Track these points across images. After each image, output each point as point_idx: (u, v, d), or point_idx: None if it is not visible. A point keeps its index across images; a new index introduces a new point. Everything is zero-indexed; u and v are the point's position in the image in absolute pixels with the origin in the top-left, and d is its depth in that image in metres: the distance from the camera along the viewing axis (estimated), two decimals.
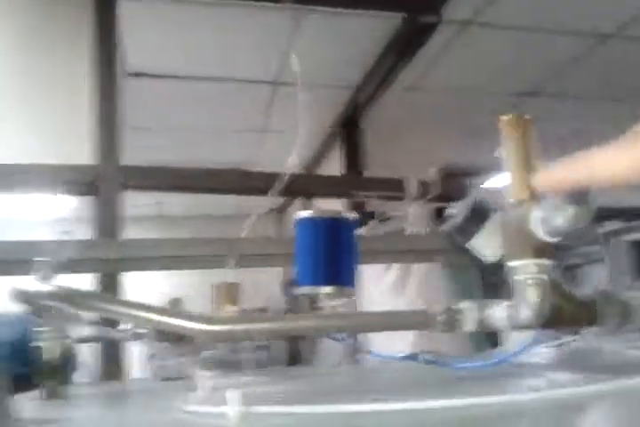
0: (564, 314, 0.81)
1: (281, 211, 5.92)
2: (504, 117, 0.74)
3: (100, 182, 1.72)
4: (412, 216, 2.30)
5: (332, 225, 0.93)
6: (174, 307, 1.01)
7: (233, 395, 0.50)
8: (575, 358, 1.06)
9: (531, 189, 0.70)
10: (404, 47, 2.85)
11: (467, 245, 0.81)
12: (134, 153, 3.95)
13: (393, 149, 4.20)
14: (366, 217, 2.97)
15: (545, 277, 0.69)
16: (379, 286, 2.44)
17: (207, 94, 3.38)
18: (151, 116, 3.68)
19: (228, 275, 1.16)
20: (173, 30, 2.77)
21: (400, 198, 2.23)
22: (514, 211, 0.70)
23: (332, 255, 0.92)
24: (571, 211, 0.62)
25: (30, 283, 0.78)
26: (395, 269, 2.40)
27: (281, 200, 5.38)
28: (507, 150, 0.73)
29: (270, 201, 3.67)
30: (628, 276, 1.33)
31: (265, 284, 4.90)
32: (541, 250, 0.69)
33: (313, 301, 0.90)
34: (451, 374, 0.86)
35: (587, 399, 0.52)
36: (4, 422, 0.53)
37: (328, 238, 0.93)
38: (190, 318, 0.67)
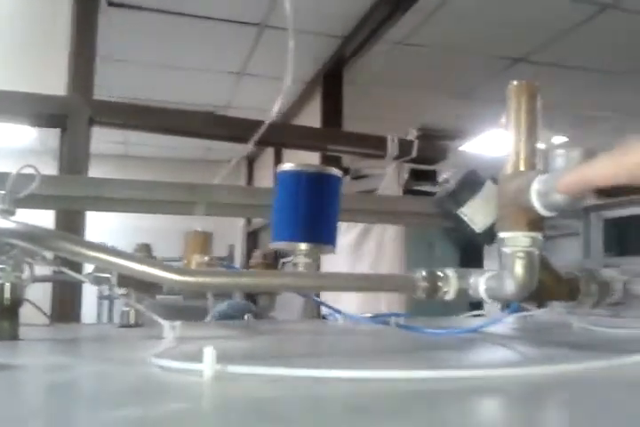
0: (547, 289, 0.81)
1: (251, 159, 5.83)
2: (513, 83, 0.69)
3: (70, 115, 1.63)
4: (389, 176, 2.27)
5: (316, 179, 0.89)
6: (142, 252, 0.96)
7: (208, 352, 0.47)
8: (544, 332, 1.07)
9: (529, 160, 0.68)
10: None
11: (457, 212, 0.78)
12: (108, 86, 3.83)
13: (374, 104, 4.13)
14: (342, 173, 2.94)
15: (535, 250, 0.67)
16: (341, 241, 2.43)
17: (189, 32, 3.24)
18: (129, 49, 3.53)
19: (195, 223, 1.12)
20: None
21: (378, 156, 2.18)
22: (512, 182, 0.67)
23: (313, 211, 0.88)
24: None
25: None
26: (355, 229, 2.39)
27: (252, 148, 5.28)
28: (511, 118, 0.69)
29: (241, 148, 3.58)
30: (601, 252, 1.35)
31: (227, 233, 4.87)
32: (535, 223, 0.67)
33: (280, 255, 0.88)
34: (421, 339, 0.85)
35: (559, 379, 0.51)
36: None
37: (310, 193, 0.89)
38: (162, 267, 0.63)
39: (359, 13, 3.01)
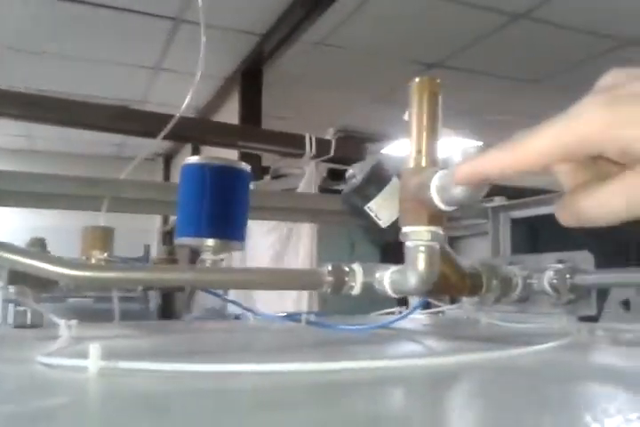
0: (450, 283, 0.82)
1: (168, 157, 5.69)
2: (415, 79, 0.70)
3: None
4: (307, 175, 2.27)
5: (222, 173, 0.87)
6: (34, 248, 0.91)
7: (95, 348, 0.45)
8: (453, 327, 1.10)
9: (431, 157, 0.69)
10: None
11: (364, 208, 0.79)
12: (17, 78, 3.62)
13: (294, 104, 4.14)
14: (261, 172, 2.92)
15: (436, 244, 0.69)
16: (264, 243, 2.42)
17: (101, 22, 3.12)
18: (39, 39, 3.35)
19: (101, 220, 1.07)
20: None
21: (297, 155, 2.18)
22: (414, 177, 0.68)
23: (220, 206, 0.86)
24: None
25: None
26: (280, 230, 2.38)
27: (169, 145, 5.16)
28: (412, 114, 0.70)
29: (157, 145, 3.47)
30: (509, 251, 1.40)
31: (144, 232, 4.71)
32: (435, 218, 0.68)
33: (196, 253, 0.85)
34: (331, 336, 0.85)
35: (459, 368, 0.53)
36: None
37: (216, 187, 0.87)
38: (52, 260, 0.60)
39: (277, 11, 3.00)
